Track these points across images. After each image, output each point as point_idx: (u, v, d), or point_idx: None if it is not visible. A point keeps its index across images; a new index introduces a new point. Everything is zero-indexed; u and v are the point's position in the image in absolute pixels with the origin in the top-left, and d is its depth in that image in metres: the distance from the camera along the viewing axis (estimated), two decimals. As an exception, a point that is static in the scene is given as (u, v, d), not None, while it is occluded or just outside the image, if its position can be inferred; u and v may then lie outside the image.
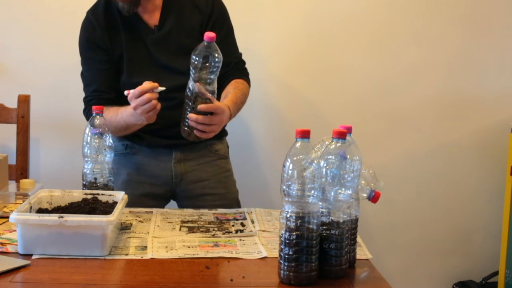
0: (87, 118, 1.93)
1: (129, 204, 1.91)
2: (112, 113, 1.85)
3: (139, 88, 1.68)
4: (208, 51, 1.61)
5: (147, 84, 1.68)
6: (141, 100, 1.67)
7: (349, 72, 2.55)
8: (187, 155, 2.01)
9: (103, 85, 1.94)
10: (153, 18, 1.94)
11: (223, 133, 2.10)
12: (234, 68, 1.98)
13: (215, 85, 1.67)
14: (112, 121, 1.84)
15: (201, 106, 1.64)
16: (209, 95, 1.65)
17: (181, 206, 2.01)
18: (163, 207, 1.99)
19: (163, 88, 1.68)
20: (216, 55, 1.62)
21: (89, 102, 1.93)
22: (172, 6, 1.94)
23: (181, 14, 1.93)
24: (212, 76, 1.64)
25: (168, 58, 1.87)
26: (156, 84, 1.68)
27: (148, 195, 2.00)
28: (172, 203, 2.08)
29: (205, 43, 1.61)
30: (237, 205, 2.03)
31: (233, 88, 1.91)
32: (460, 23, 2.55)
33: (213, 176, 2.04)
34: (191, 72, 1.64)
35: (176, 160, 2.00)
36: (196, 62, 1.62)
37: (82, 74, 2.00)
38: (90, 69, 1.96)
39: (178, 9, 1.94)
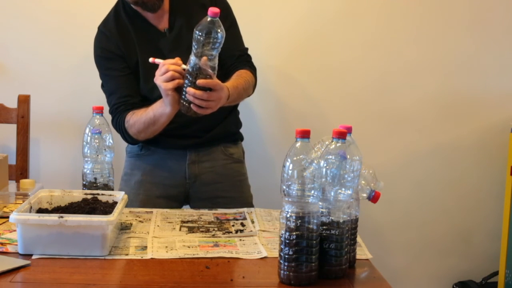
0: (118, 129, 1.94)
1: (142, 205, 1.92)
2: (142, 111, 1.87)
3: (162, 62, 1.71)
4: (211, 27, 1.61)
5: (170, 60, 1.71)
6: (160, 71, 1.70)
7: (349, 72, 2.55)
8: (202, 157, 2.03)
9: (128, 90, 1.94)
10: (162, 22, 1.96)
11: (238, 137, 2.13)
12: (238, 60, 1.99)
13: (216, 61, 1.67)
14: (142, 117, 1.85)
15: (200, 81, 1.64)
16: (210, 71, 1.65)
17: (194, 208, 2.01)
18: None
19: (186, 67, 1.69)
20: (219, 31, 1.62)
21: (117, 110, 1.93)
22: (179, 8, 1.97)
23: (189, 14, 1.95)
24: (213, 52, 1.64)
25: (182, 57, 1.88)
26: (179, 62, 1.70)
27: (162, 197, 2.01)
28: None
29: (209, 18, 1.61)
30: None
31: (235, 75, 1.92)
32: (460, 23, 2.54)
33: (227, 179, 2.05)
34: (193, 47, 1.64)
35: (190, 161, 2.02)
36: (198, 37, 1.62)
37: (103, 86, 2.01)
38: (112, 78, 1.96)
39: (185, 10, 1.97)
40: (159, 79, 1.70)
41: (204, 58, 1.63)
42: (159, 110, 1.80)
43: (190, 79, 1.66)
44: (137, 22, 1.96)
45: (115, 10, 2.00)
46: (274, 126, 2.56)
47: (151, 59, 1.75)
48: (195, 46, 1.63)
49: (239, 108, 2.14)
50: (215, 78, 1.68)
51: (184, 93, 1.69)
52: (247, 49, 2.06)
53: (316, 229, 1.24)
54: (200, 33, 1.61)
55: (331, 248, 1.27)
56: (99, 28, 2.00)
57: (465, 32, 2.55)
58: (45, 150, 2.51)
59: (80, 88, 2.46)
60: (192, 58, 1.65)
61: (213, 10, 1.60)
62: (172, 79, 1.68)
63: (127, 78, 1.95)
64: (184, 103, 1.70)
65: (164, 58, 1.76)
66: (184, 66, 1.70)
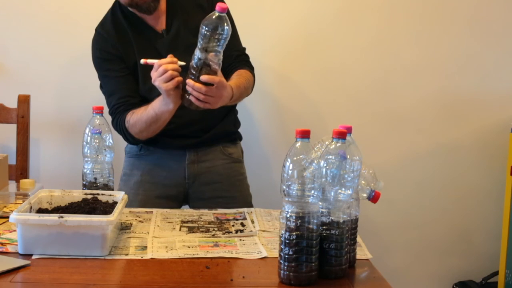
0: (119, 129, 1.93)
1: (141, 205, 1.92)
2: (141, 110, 1.86)
3: (157, 62, 1.69)
4: (218, 22, 1.60)
5: (165, 59, 1.69)
6: (157, 73, 1.68)
7: (349, 72, 2.55)
8: (201, 157, 2.03)
9: (127, 90, 1.94)
10: (159, 23, 1.96)
11: (236, 137, 2.13)
12: (236, 60, 1.99)
13: (221, 57, 1.66)
14: (143, 116, 1.85)
15: (203, 77, 1.63)
16: (215, 67, 1.64)
17: (193, 208, 2.01)
18: None
19: (183, 63, 1.68)
20: (226, 26, 1.61)
21: (117, 110, 1.93)
22: (176, 9, 1.97)
23: (186, 15, 1.96)
24: (219, 48, 1.63)
25: (180, 58, 1.89)
26: (174, 59, 1.69)
27: (161, 197, 2.01)
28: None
29: (217, 14, 1.60)
30: None
31: (236, 75, 1.92)
32: (460, 23, 2.54)
33: (226, 179, 2.05)
34: (198, 42, 1.63)
35: (189, 161, 2.02)
36: (205, 32, 1.60)
37: (102, 87, 2.01)
38: (111, 79, 1.96)
39: (182, 11, 1.97)
40: (158, 80, 1.69)
41: (211, 54, 1.62)
42: (161, 108, 1.79)
43: (194, 73, 1.65)
44: (135, 23, 1.96)
45: (112, 11, 1.99)
46: (273, 126, 2.56)
47: (142, 61, 1.74)
48: (201, 41, 1.62)
49: (237, 107, 2.15)
50: (220, 74, 1.67)
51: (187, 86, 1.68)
52: (244, 49, 2.06)
53: (316, 229, 1.24)
54: (207, 28, 1.60)
55: (331, 248, 1.27)
56: (96, 29, 2.00)
57: (465, 32, 2.55)
58: (45, 150, 2.51)
59: (80, 88, 2.46)
60: (197, 52, 1.64)
61: (221, 5, 1.59)
62: (171, 78, 1.68)
63: (126, 79, 1.95)
64: (187, 96, 1.70)
65: (161, 58, 1.75)
66: (180, 63, 1.69)
